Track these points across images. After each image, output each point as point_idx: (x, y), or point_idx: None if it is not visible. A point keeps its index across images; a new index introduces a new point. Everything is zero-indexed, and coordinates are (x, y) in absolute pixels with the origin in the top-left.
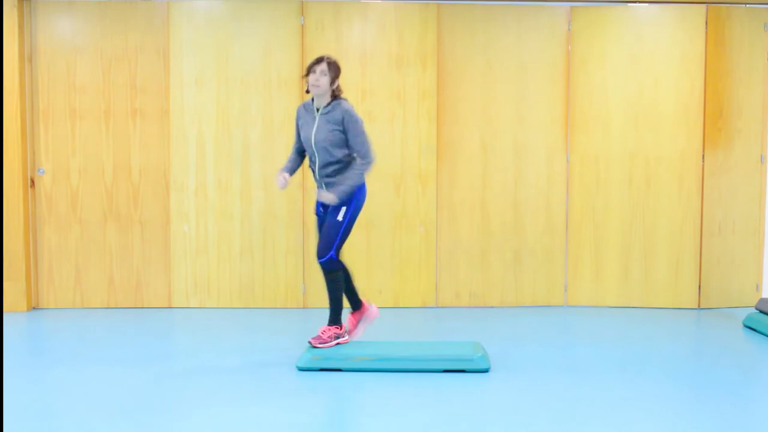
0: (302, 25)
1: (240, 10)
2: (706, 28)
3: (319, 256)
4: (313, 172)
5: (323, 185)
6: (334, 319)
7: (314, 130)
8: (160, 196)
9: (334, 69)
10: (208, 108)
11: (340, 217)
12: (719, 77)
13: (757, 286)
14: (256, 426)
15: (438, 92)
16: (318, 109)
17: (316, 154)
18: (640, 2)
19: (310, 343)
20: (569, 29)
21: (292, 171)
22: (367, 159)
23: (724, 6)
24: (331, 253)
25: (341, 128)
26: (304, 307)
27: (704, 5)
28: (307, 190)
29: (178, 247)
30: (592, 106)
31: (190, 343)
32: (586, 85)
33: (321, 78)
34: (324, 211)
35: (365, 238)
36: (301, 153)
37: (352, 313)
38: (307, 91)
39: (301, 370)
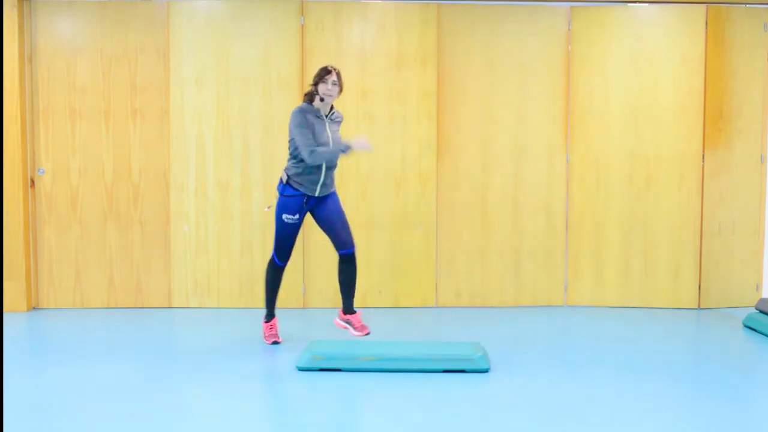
0: (302, 25)
1: (240, 10)
2: (706, 28)
3: (351, 245)
4: (317, 174)
5: (326, 184)
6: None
7: (330, 134)
8: (160, 196)
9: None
10: (208, 108)
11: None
12: (719, 77)
13: (757, 286)
14: (256, 426)
15: (438, 92)
16: (326, 115)
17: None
18: (640, 2)
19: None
20: (569, 29)
21: None
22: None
23: (724, 6)
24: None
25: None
26: (304, 307)
27: (704, 5)
28: None
29: (178, 247)
30: (592, 106)
31: (190, 343)
32: (586, 85)
33: (334, 88)
34: (315, 207)
35: (365, 238)
36: None
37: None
38: (320, 99)
39: (301, 370)
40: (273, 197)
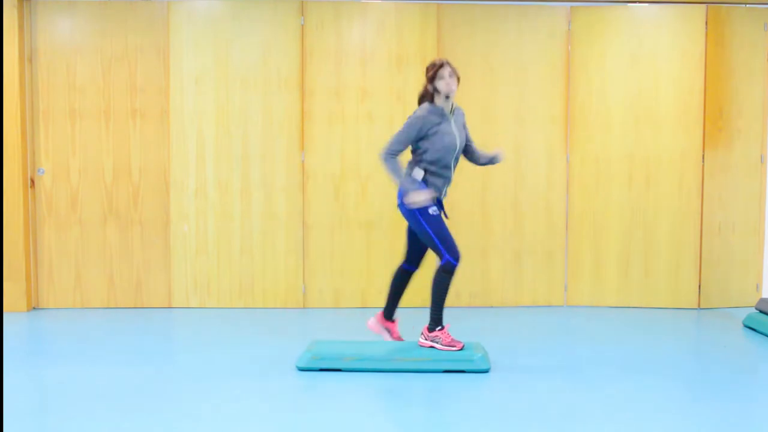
0: (302, 25)
1: (240, 10)
2: (706, 28)
3: (419, 266)
4: (447, 178)
5: (449, 186)
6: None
7: (457, 135)
8: (160, 196)
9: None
10: (208, 108)
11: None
12: (719, 77)
13: (757, 286)
14: (256, 426)
15: None
16: (450, 112)
17: (455, 159)
18: (640, 2)
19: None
20: (569, 29)
21: None
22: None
23: (724, 6)
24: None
25: (465, 127)
26: (304, 307)
27: (704, 5)
28: (307, 191)
29: (178, 247)
30: (592, 106)
31: (190, 343)
32: (586, 85)
33: (453, 80)
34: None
35: (365, 238)
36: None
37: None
38: (446, 97)
39: (301, 370)
40: (272, 197)
